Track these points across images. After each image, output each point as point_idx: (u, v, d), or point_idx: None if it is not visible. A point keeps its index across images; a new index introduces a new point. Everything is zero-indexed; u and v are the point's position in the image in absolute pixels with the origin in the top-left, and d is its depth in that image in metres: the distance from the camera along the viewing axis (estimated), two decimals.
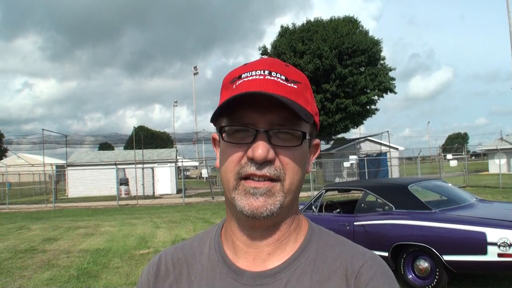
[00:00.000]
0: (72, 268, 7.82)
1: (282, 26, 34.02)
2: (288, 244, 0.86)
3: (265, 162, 0.77)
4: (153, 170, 29.52)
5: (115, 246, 9.85)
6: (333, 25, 31.62)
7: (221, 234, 0.93)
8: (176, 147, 39.30)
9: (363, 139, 38.27)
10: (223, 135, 0.81)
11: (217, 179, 34.05)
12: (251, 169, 0.77)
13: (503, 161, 26.20)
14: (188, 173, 59.73)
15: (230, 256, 0.88)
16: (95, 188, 29.85)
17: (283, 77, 0.80)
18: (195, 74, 62.30)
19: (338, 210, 7.66)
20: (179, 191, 30.32)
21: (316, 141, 0.91)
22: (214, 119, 0.81)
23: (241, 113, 0.78)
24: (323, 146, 40.23)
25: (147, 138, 50.95)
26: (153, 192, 29.31)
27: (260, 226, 0.83)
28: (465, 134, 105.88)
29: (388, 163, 29.19)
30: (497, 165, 26.81)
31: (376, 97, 33.15)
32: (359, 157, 29.34)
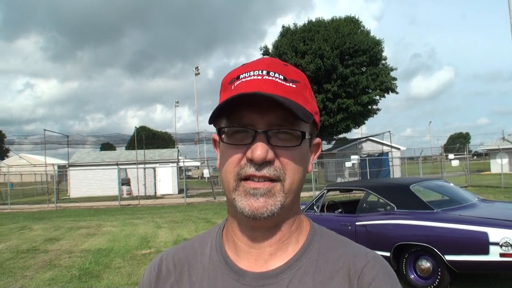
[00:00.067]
0: (74, 268, 7.83)
1: (283, 26, 33.97)
2: (290, 245, 0.86)
3: (265, 163, 0.76)
4: (154, 170, 29.56)
5: (117, 246, 9.86)
6: (334, 25, 31.57)
7: (222, 234, 0.93)
8: (177, 147, 39.36)
9: (364, 139, 38.27)
10: (222, 136, 0.81)
11: (219, 179, 33.99)
12: (251, 170, 0.77)
13: (505, 160, 26.14)
14: (189, 173, 59.78)
15: (231, 256, 0.87)
16: (97, 188, 29.87)
17: (281, 77, 0.80)
18: (196, 74, 62.39)
19: (339, 210, 7.67)
20: (180, 191, 30.39)
21: (317, 140, 0.91)
22: (212, 120, 0.80)
23: (240, 114, 0.78)
24: (325, 146, 40.22)
25: (148, 138, 51.00)
26: (155, 192, 29.35)
27: (261, 227, 0.83)
28: (467, 134, 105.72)
29: (390, 163, 29.18)
30: (499, 165, 26.78)
31: (377, 97, 33.08)
32: (360, 157, 29.32)
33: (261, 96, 0.74)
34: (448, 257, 5.36)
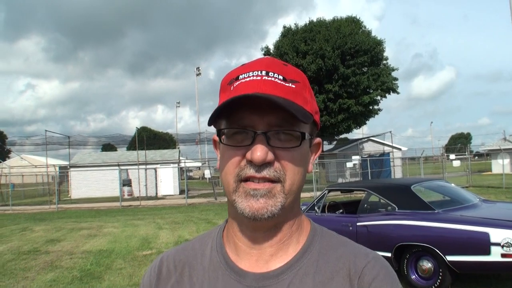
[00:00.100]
0: (75, 269, 7.83)
1: (284, 27, 34.02)
2: (290, 245, 0.86)
3: (264, 164, 0.76)
4: (156, 171, 29.60)
5: (118, 247, 9.87)
6: (335, 25, 31.60)
7: (223, 235, 0.93)
8: (179, 148, 39.45)
9: (366, 139, 38.27)
10: (222, 137, 0.81)
11: (220, 179, 34.05)
12: (251, 172, 0.77)
13: (506, 161, 26.08)
14: (191, 173, 59.83)
15: (232, 257, 0.87)
16: (98, 189, 29.91)
17: (280, 77, 0.79)
18: (197, 74, 62.49)
19: (341, 210, 7.67)
20: (182, 191, 30.41)
21: (317, 139, 0.90)
22: (211, 122, 0.80)
23: (240, 115, 0.77)
24: (326, 146, 40.26)
25: (150, 139, 51.01)
26: (156, 193, 29.38)
27: (261, 228, 0.83)
28: (468, 134, 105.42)
29: (391, 163, 29.16)
30: (500, 165, 26.73)
31: (378, 97, 33.12)
32: (362, 157, 29.28)
33: (260, 97, 0.74)
34: (449, 258, 5.35)
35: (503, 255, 4.94)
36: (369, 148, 36.14)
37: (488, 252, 5.03)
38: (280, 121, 0.77)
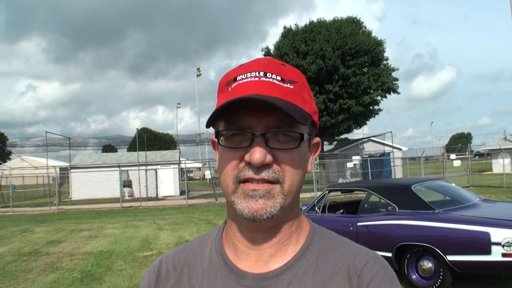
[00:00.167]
0: (76, 270, 7.83)
1: (285, 27, 34.06)
2: (289, 245, 0.86)
3: (263, 166, 0.76)
4: (156, 172, 29.60)
5: (118, 248, 9.87)
6: (336, 25, 31.62)
7: (222, 236, 0.93)
8: (179, 149, 39.43)
9: (366, 139, 38.25)
10: (221, 139, 0.81)
11: (219, 181, 34.01)
12: (249, 173, 0.77)
13: (507, 160, 26.07)
14: (191, 174, 59.84)
15: (231, 258, 0.87)
16: (98, 191, 29.91)
17: (278, 78, 0.79)
18: (198, 75, 62.52)
19: (341, 210, 7.66)
20: (182, 192, 30.40)
21: (316, 139, 0.90)
22: (209, 124, 0.80)
23: (238, 117, 0.77)
24: (327, 146, 40.26)
25: (150, 140, 51.03)
26: (157, 194, 29.39)
27: (260, 228, 0.83)
28: (469, 134, 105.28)
29: (392, 164, 29.13)
30: (500, 165, 26.71)
31: (379, 98, 33.15)
32: (362, 157, 29.27)
33: (257, 100, 0.74)
34: (450, 257, 5.35)
35: (503, 255, 4.93)
36: (370, 148, 36.11)
37: (488, 252, 5.03)
38: (278, 123, 0.77)
